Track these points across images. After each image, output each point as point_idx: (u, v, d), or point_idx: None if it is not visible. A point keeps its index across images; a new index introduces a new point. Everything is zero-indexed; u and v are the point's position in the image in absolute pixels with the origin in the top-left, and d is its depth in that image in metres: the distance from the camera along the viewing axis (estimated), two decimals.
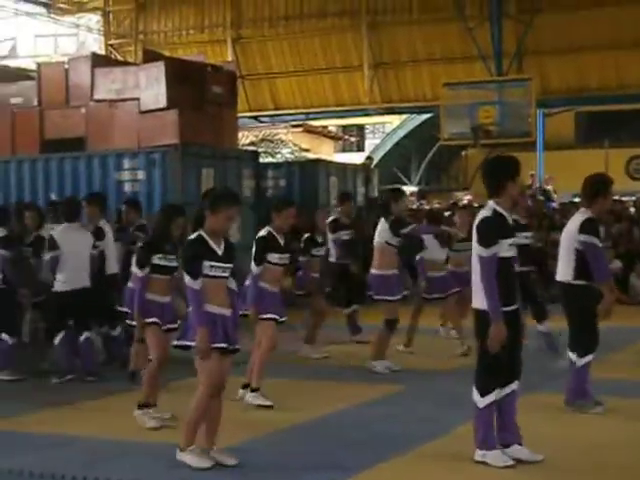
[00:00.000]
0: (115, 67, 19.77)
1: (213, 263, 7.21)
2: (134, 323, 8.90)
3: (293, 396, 9.33)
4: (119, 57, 30.14)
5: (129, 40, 31.71)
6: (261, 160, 22.51)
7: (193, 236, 7.29)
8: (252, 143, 32.40)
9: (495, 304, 6.95)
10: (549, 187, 27.83)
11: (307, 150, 35.55)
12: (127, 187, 17.65)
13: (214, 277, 7.22)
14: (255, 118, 31.46)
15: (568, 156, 33.80)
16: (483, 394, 7.10)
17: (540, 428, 8.08)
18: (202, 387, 7.23)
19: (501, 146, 28.39)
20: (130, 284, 9.48)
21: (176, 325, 8.72)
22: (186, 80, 18.82)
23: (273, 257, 9.36)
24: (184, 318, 7.53)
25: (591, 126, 40.42)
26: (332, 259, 13.89)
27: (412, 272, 13.72)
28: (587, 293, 8.82)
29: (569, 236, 8.97)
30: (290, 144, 35.25)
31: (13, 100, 19.43)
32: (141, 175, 17.59)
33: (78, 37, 39.63)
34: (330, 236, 13.77)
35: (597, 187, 9.03)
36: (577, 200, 23.75)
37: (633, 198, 24.29)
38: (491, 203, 7.18)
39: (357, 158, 35.13)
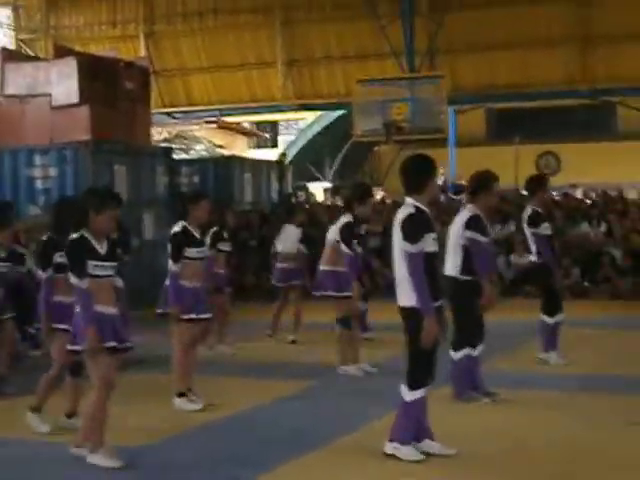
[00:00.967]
0: (26, 62, 19.57)
1: (97, 262, 7.22)
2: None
3: (205, 393, 9.32)
4: (30, 52, 29.74)
5: (40, 35, 31.28)
6: (175, 157, 22.45)
7: (75, 236, 7.26)
8: (166, 140, 32.23)
9: (426, 300, 7.04)
10: (464, 182, 28.21)
11: (221, 146, 35.49)
12: (39, 184, 17.47)
13: (99, 276, 7.23)
14: (168, 114, 31.29)
15: (479, 152, 34.20)
16: (413, 388, 7.18)
17: (451, 420, 8.26)
18: (97, 388, 7.23)
19: (413, 142, 28.70)
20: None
21: None
22: (98, 76, 18.73)
23: (191, 252, 9.21)
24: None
25: (501, 123, 41.03)
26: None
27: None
28: (471, 288, 9.02)
29: (455, 232, 9.20)
30: (204, 140, 35.15)
31: None
32: (53, 172, 17.44)
33: None
34: None
35: (479, 184, 9.35)
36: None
37: None
38: (411, 200, 7.27)
39: (271, 154, 35.19)
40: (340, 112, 34.68)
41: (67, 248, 7.34)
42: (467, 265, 9.07)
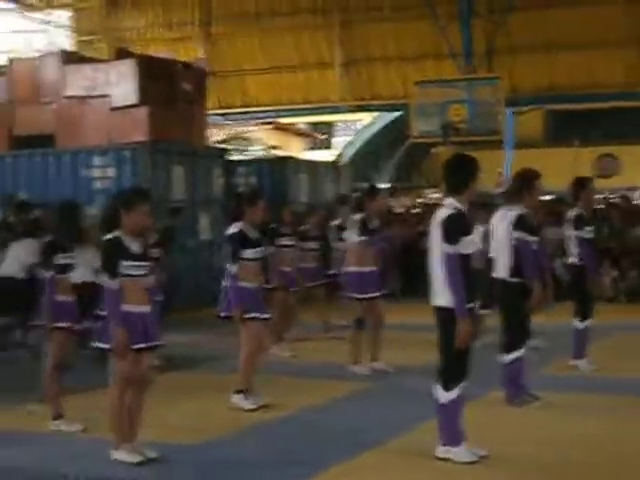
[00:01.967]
0: (85, 64, 19.76)
1: (130, 262, 7.27)
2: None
3: (262, 393, 9.35)
4: (89, 54, 30.05)
5: (99, 37, 31.61)
6: (231, 157, 22.55)
7: (109, 236, 7.33)
8: (222, 141, 32.39)
9: (461, 301, 7.02)
10: None
11: (277, 147, 35.58)
12: (97, 184, 17.64)
13: (132, 276, 7.28)
14: (224, 115, 31.44)
15: (537, 154, 33.96)
16: (447, 389, 7.17)
17: (486, 425, 8.21)
18: (116, 384, 7.33)
19: (470, 144, 28.56)
20: None
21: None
22: (156, 77, 18.88)
23: (248, 253, 9.21)
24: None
25: (560, 125, 40.67)
26: None
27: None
28: (521, 290, 8.95)
29: (503, 233, 9.13)
30: (260, 141, 35.27)
31: None
32: (111, 172, 17.60)
33: (48, 33, 39.44)
34: None
35: (522, 182, 9.29)
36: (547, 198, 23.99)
37: (601, 196, 24.49)
38: (452, 200, 7.25)
39: (326, 155, 35.20)
40: (397, 113, 34.62)
41: (102, 248, 7.41)
42: (517, 267, 9.00)
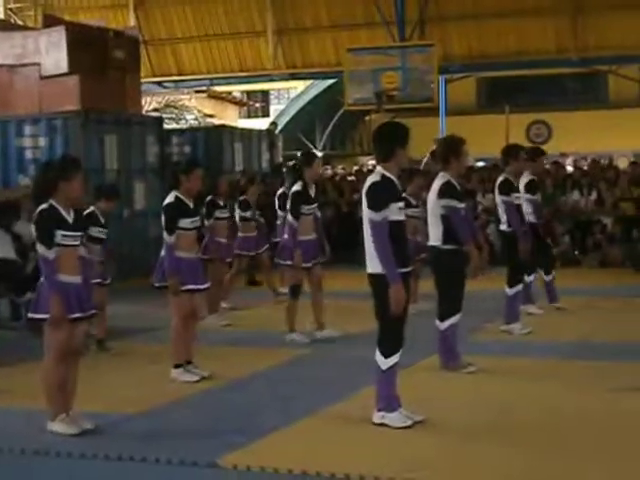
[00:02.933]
0: (15, 31, 19.48)
1: (65, 232, 7.22)
2: None
3: (199, 363, 9.37)
4: (19, 21, 29.58)
5: (29, 4, 31.10)
6: (165, 126, 22.40)
7: (44, 206, 7.23)
8: (156, 109, 32.15)
9: (392, 267, 7.06)
10: None
11: (211, 116, 35.40)
12: (29, 154, 17.45)
13: (66, 246, 7.24)
14: (159, 84, 31.19)
15: (470, 121, 34.22)
16: (387, 356, 7.24)
17: (422, 390, 8.33)
18: (52, 355, 7.26)
19: (404, 111, 28.68)
20: None
21: None
22: (87, 45, 18.68)
23: (185, 222, 9.14)
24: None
25: (492, 92, 41.08)
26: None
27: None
28: (455, 257, 9.02)
29: (431, 201, 9.21)
30: (194, 110, 35.06)
31: None
32: (43, 142, 17.41)
33: None
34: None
35: (448, 149, 9.32)
36: (480, 164, 24.21)
37: None
38: (379, 168, 7.31)
39: (262, 124, 35.12)
40: (331, 81, 34.64)
41: (36, 218, 7.30)
42: (449, 234, 9.05)
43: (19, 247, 12.27)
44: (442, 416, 7.56)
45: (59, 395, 7.32)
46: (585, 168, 23.24)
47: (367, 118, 40.58)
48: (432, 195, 9.24)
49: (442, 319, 9.19)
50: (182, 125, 31.63)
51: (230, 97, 40.55)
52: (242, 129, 25.07)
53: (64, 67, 17.99)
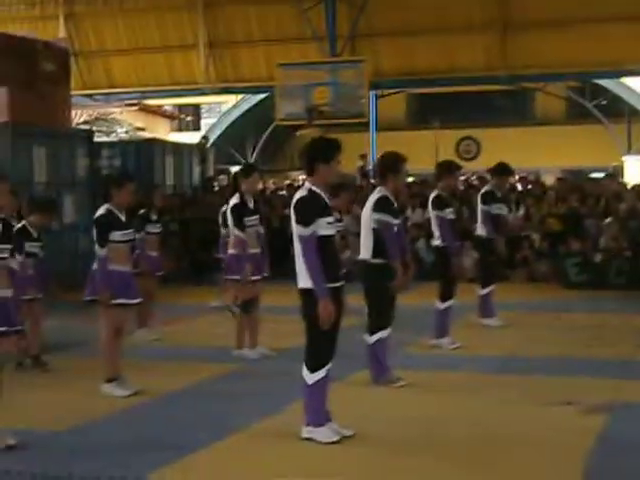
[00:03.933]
0: None
1: None
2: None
3: (130, 377, 9.31)
4: None
5: None
6: (96, 139, 22.27)
7: None
8: (86, 122, 31.90)
9: (320, 282, 7.10)
10: None
11: (142, 129, 35.24)
12: None
13: None
14: (89, 96, 30.94)
15: (400, 137, 34.44)
16: (313, 370, 7.27)
17: (352, 405, 8.39)
18: None
19: (335, 126, 28.81)
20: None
21: None
22: (16, 57, 18.50)
23: (116, 235, 9.09)
24: None
25: (422, 108, 41.45)
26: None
27: None
28: (383, 271, 9.09)
29: (366, 215, 9.27)
30: (125, 123, 34.86)
31: None
32: None
33: None
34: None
35: (387, 165, 9.41)
36: (410, 179, 24.38)
37: (462, 178, 25.00)
38: (307, 183, 7.36)
39: (193, 138, 35.04)
40: (262, 96, 34.63)
41: None
42: (379, 248, 9.13)
43: None
44: (371, 430, 7.62)
45: None
46: (512, 184, 23.51)
47: (298, 133, 40.68)
48: (367, 208, 9.30)
49: (371, 333, 9.26)
50: (113, 138, 31.43)
51: (161, 110, 40.40)
52: (173, 143, 25.06)
53: None
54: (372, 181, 24.92)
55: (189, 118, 46.24)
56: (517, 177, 23.94)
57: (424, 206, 19.92)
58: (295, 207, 7.28)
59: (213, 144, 33.26)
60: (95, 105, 33.21)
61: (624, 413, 8.22)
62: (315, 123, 26.04)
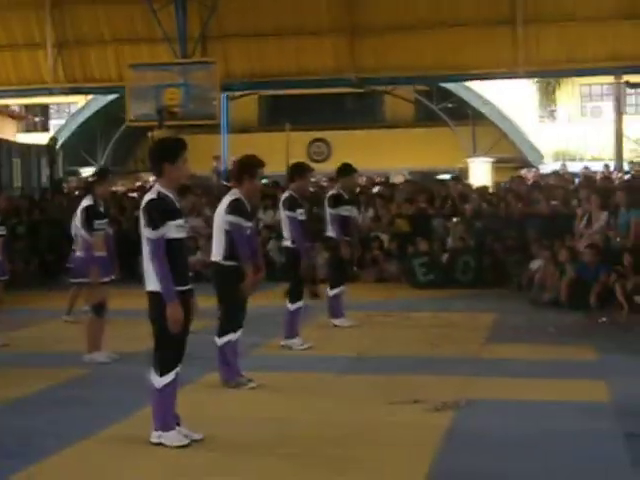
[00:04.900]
0: None
1: None
2: None
3: None
4: None
5: None
6: None
7: None
8: None
9: (168, 285, 7.09)
10: None
11: None
12: None
13: None
14: None
15: (252, 139, 34.54)
16: (162, 374, 7.24)
17: (202, 408, 8.41)
18: None
19: (187, 128, 28.68)
20: None
21: None
22: None
23: None
24: None
25: (273, 110, 41.67)
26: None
27: None
28: (235, 273, 9.13)
29: (219, 217, 9.31)
30: None
31: None
32: None
33: None
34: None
35: (242, 169, 9.48)
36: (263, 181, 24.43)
37: (313, 180, 25.22)
38: (156, 185, 7.35)
39: (41, 139, 34.34)
40: (113, 96, 34.20)
41: None
42: (231, 250, 9.17)
43: None
44: (221, 433, 7.65)
45: None
46: (363, 185, 23.88)
47: (150, 134, 40.27)
48: (220, 210, 9.32)
49: (220, 335, 9.28)
50: None
51: (8, 111, 39.47)
52: (21, 144, 24.51)
53: None
54: (224, 182, 24.98)
55: (37, 119, 45.33)
56: (364, 178, 24.35)
57: (275, 207, 20.13)
58: (144, 210, 7.25)
59: (62, 145, 32.68)
60: None
61: (470, 410, 8.45)
62: (166, 124, 25.86)
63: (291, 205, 11.56)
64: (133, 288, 9.69)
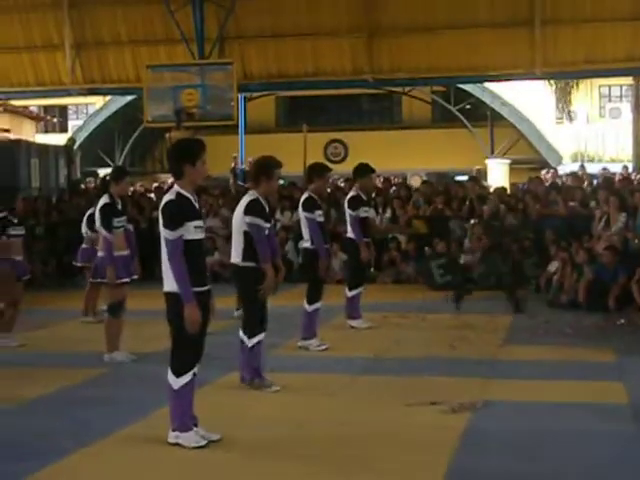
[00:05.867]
0: None
1: None
2: None
3: None
4: None
5: None
6: None
7: None
8: None
9: (186, 286, 7.10)
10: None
11: (7, 130, 34.48)
12: None
13: None
14: None
15: (269, 140, 34.61)
16: (179, 375, 7.25)
17: (220, 409, 8.42)
18: None
19: (204, 129, 28.72)
20: None
21: None
22: None
23: None
24: None
25: (291, 111, 41.71)
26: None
27: None
28: (255, 275, 9.11)
29: (237, 218, 9.29)
30: None
31: None
32: None
33: None
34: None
35: (259, 169, 9.46)
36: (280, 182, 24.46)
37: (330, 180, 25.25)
38: (175, 186, 7.34)
39: (59, 139, 34.46)
40: (130, 97, 34.31)
41: None
42: (249, 251, 9.15)
43: None
44: (238, 434, 7.65)
45: None
46: (380, 186, 23.84)
47: (167, 135, 40.35)
48: (238, 211, 9.31)
49: (249, 336, 9.24)
50: None
51: (26, 111, 39.59)
52: (39, 144, 24.58)
53: None
54: (240, 183, 25.03)
55: (55, 119, 45.50)
56: (382, 179, 24.33)
57: (292, 208, 20.15)
58: (163, 210, 7.26)
59: (80, 146, 32.80)
60: None
61: (487, 411, 8.44)
62: (184, 125, 25.91)
63: (310, 206, 11.56)
64: (152, 288, 9.72)
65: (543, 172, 28.51)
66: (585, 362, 10.75)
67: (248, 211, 9.19)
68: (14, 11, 27.62)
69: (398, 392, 9.22)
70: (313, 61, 25.79)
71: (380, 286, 18.13)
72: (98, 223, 11.06)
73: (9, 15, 27.74)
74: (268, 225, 9.35)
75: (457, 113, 37.54)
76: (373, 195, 18.64)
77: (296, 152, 24.82)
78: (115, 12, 26.88)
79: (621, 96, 40.54)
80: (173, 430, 7.31)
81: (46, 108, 44.38)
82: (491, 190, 22.01)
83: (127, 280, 11.10)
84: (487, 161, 37.69)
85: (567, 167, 33.49)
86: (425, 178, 31.56)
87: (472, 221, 19.00)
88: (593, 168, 30.64)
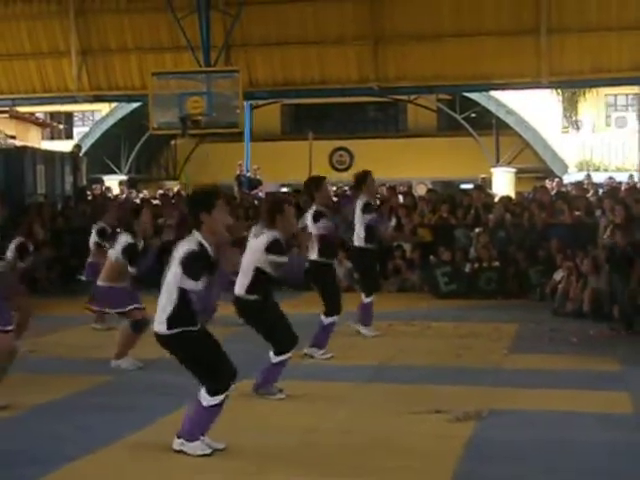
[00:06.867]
0: None
1: None
2: None
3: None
4: None
5: None
6: None
7: None
8: None
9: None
10: (259, 177, 28.87)
11: (13, 137, 34.56)
12: None
13: None
14: None
15: (274, 147, 34.62)
16: (213, 394, 7.24)
17: (227, 416, 8.41)
18: None
19: (210, 136, 28.76)
20: None
21: None
22: None
23: None
24: None
25: (296, 119, 41.73)
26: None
27: None
28: (258, 306, 9.10)
29: (256, 251, 9.08)
30: None
31: None
32: None
33: None
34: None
35: (272, 209, 9.19)
36: (284, 190, 24.50)
37: (334, 188, 25.30)
38: (196, 234, 7.21)
39: (65, 146, 34.50)
40: (136, 104, 34.35)
41: None
42: (255, 286, 9.07)
43: None
44: (243, 442, 7.65)
45: None
46: (384, 194, 23.84)
47: (173, 142, 40.49)
48: (255, 248, 9.08)
49: (276, 354, 9.27)
50: None
51: (33, 118, 39.67)
52: (45, 151, 24.61)
53: None
54: (245, 190, 25.04)
55: (61, 126, 45.55)
56: (387, 186, 24.33)
57: (297, 217, 20.11)
58: (185, 260, 7.14)
59: (86, 153, 32.81)
60: None
61: (492, 420, 8.44)
62: (190, 133, 25.94)
63: (315, 218, 11.55)
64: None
65: (547, 181, 28.53)
66: (590, 371, 10.74)
67: (269, 251, 8.97)
68: (21, 18, 27.69)
69: (403, 400, 9.21)
70: (319, 69, 25.82)
71: (385, 294, 18.10)
72: (119, 255, 11.07)
73: (16, 22, 27.81)
74: (286, 259, 9.10)
75: (462, 121, 37.53)
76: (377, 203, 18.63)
77: (301, 160, 24.87)
78: (121, 19, 26.94)
79: (627, 105, 40.54)
80: (179, 437, 7.30)
81: (52, 115, 44.44)
82: (496, 199, 22.01)
83: (137, 306, 11.12)
84: (492, 170, 37.66)
85: (573, 176, 33.51)
86: (430, 186, 31.56)
87: (477, 230, 19.00)
88: (599, 177, 30.64)
